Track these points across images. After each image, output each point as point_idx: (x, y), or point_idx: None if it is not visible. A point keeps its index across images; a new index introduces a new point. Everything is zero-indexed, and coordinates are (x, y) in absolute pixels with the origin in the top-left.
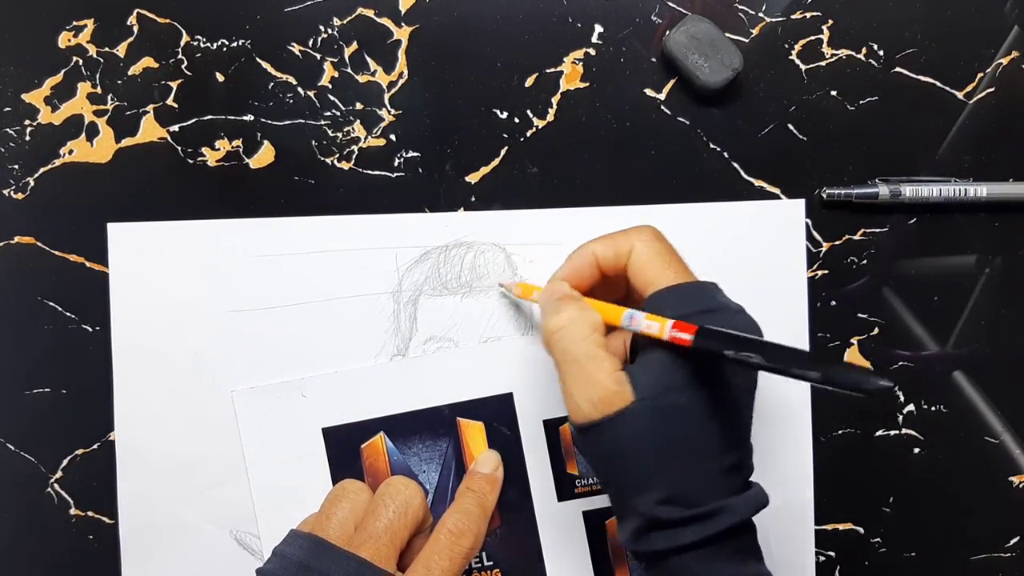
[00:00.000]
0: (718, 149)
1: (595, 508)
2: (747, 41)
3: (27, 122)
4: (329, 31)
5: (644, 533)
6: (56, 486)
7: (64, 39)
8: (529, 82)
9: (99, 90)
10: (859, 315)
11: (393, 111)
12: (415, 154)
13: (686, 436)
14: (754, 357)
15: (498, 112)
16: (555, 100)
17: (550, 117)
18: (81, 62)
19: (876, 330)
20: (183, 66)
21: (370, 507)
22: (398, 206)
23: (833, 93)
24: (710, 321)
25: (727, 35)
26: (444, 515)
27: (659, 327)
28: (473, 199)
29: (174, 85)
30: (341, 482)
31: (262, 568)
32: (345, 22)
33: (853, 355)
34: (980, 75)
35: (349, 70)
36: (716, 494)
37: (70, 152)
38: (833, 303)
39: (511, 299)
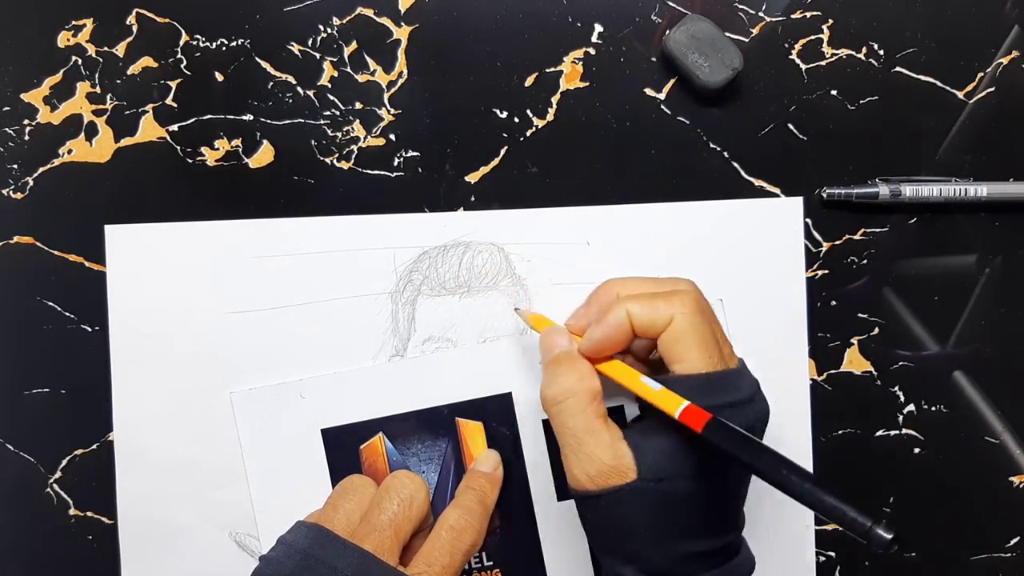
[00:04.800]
0: (718, 149)
1: None
2: (747, 41)
3: (26, 122)
4: (328, 30)
5: None
6: (55, 486)
7: (63, 38)
8: (529, 82)
9: (98, 90)
10: (859, 315)
11: (393, 111)
12: (414, 154)
13: (682, 522)
14: (763, 468)
15: (498, 112)
16: (555, 100)
17: (550, 117)
18: (80, 61)
19: (876, 330)
20: (182, 65)
21: (374, 500)
22: (397, 206)
23: (833, 93)
24: (724, 417)
25: (727, 34)
26: (445, 511)
27: (673, 406)
28: (473, 199)
29: (173, 85)
30: (349, 476)
31: (266, 555)
32: (344, 21)
33: (853, 355)
34: (980, 75)
35: (348, 70)
36: (697, 571)
37: (69, 152)
38: (833, 303)
39: (508, 298)
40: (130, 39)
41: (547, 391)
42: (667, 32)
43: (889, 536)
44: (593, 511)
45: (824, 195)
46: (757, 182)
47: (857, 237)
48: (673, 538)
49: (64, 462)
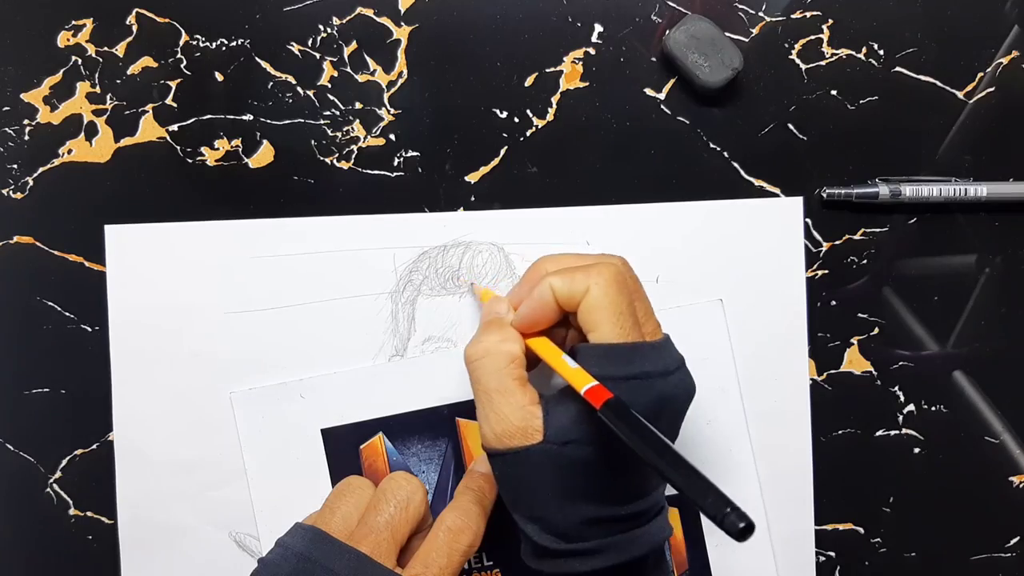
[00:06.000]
0: (718, 149)
1: None
2: (747, 41)
3: (26, 121)
4: (328, 30)
5: (537, 556)
6: (55, 486)
7: (63, 38)
8: (529, 82)
9: (98, 89)
10: (859, 315)
11: (392, 111)
12: (415, 154)
13: (585, 486)
14: (644, 452)
15: (498, 112)
16: (555, 100)
17: (550, 117)
18: (80, 61)
19: (876, 330)
20: (182, 65)
21: (371, 502)
22: (397, 206)
23: (833, 93)
24: (631, 388)
25: (727, 34)
26: (442, 512)
27: (579, 384)
28: (472, 199)
29: (173, 84)
30: (346, 478)
31: (264, 557)
32: (344, 21)
33: (853, 355)
34: (980, 75)
35: (348, 69)
36: (603, 535)
37: (69, 152)
38: (833, 303)
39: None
40: (130, 39)
41: (468, 348)
42: (667, 32)
43: (741, 524)
44: (500, 469)
45: (824, 195)
46: (757, 182)
47: (857, 237)
48: (575, 501)
49: (64, 462)
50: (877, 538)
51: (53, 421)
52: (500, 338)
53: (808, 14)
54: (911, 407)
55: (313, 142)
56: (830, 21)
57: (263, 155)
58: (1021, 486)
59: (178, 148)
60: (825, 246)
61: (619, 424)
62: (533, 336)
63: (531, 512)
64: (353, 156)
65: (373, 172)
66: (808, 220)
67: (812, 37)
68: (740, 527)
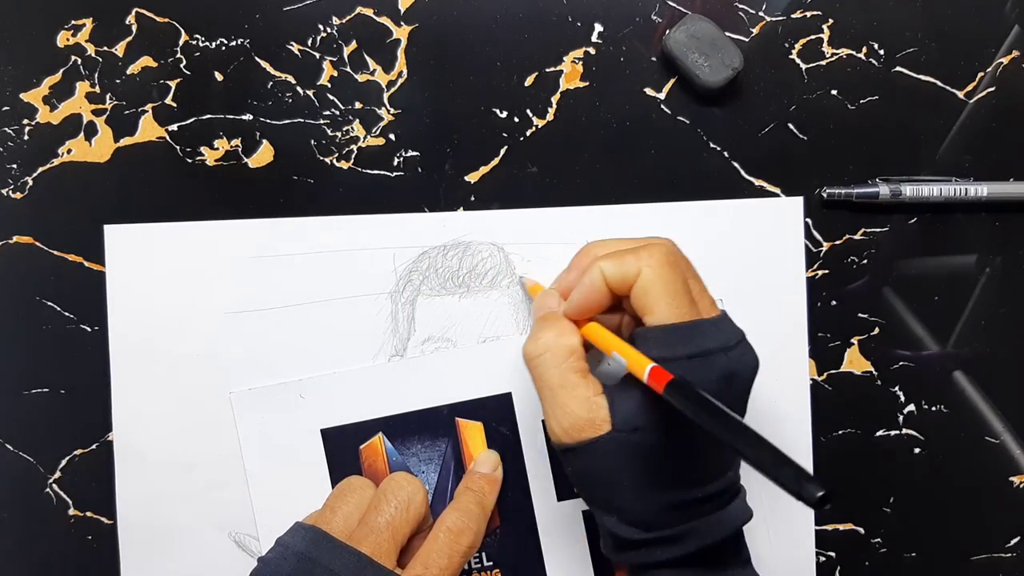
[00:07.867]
0: (718, 148)
1: None
2: (747, 40)
3: (25, 121)
4: (328, 30)
5: (618, 548)
6: (55, 486)
7: (63, 38)
8: (529, 81)
9: (98, 89)
10: (859, 315)
11: (392, 110)
12: (414, 153)
13: (660, 471)
14: (714, 428)
15: (498, 111)
16: (555, 99)
17: (550, 116)
18: (80, 61)
19: (876, 330)
20: (182, 65)
21: (372, 502)
22: (397, 206)
23: (833, 92)
24: (693, 367)
25: (727, 34)
26: (443, 513)
27: (639, 369)
28: (472, 199)
29: (173, 84)
30: (347, 478)
31: (263, 556)
32: (344, 21)
33: (853, 355)
34: (980, 74)
35: (348, 69)
36: (683, 520)
37: (68, 151)
38: (833, 303)
39: (509, 298)
40: (130, 39)
41: (527, 346)
42: (667, 32)
43: (820, 493)
44: (572, 464)
45: (824, 195)
46: (757, 182)
47: (857, 237)
48: (652, 487)
49: (64, 462)
50: (877, 538)
51: (53, 421)
52: (557, 332)
53: (808, 14)
54: (911, 407)
55: (313, 142)
56: (830, 21)
57: (263, 155)
58: (1021, 486)
59: (178, 148)
60: (825, 246)
61: (685, 403)
62: (584, 324)
63: (608, 504)
64: (353, 156)
65: (373, 172)
66: (808, 220)
67: (812, 37)
68: (819, 496)
